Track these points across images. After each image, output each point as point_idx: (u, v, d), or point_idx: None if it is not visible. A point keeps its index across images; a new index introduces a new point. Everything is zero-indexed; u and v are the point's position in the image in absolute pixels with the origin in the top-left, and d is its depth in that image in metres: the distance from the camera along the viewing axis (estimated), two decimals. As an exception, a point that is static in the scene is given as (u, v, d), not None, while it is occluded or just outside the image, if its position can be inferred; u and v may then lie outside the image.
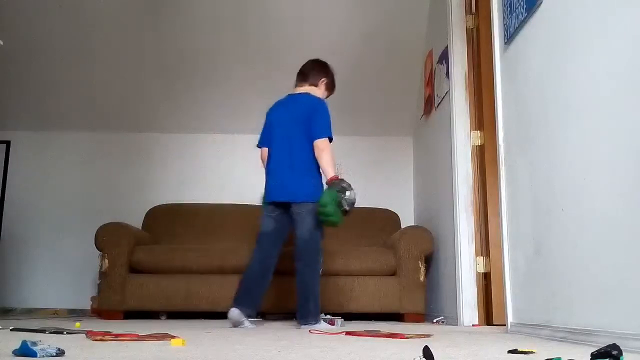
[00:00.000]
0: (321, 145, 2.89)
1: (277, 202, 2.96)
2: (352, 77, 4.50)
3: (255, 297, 2.90)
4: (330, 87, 3.19)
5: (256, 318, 3.80)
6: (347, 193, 2.79)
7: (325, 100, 3.12)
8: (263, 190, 3.08)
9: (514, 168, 2.46)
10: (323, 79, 3.14)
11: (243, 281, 2.92)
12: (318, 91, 3.11)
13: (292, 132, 2.97)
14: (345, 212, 2.81)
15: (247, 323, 2.83)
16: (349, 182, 2.86)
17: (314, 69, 3.15)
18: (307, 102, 3.02)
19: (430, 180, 4.14)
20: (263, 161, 3.13)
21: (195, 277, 3.70)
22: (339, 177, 2.86)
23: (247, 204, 4.47)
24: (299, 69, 3.18)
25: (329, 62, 3.19)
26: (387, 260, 3.76)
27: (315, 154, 2.90)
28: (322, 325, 2.82)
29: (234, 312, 2.82)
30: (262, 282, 2.93)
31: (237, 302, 2.86)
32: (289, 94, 3.14)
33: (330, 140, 2.95)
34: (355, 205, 2.80)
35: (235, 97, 4.71)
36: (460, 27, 3.51)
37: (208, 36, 4.37)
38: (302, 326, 2.78)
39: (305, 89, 3.10)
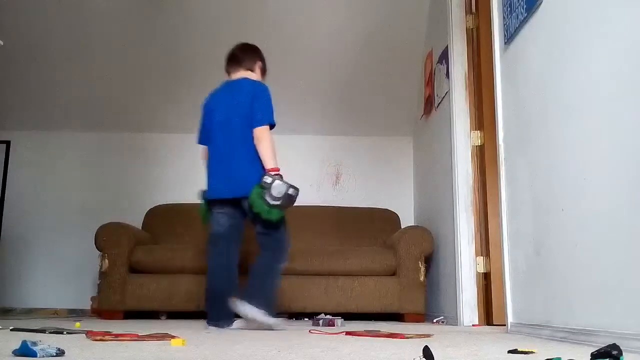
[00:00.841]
0: (259, 133, 2.66)
1: (223, 199, 2.74)
2: (352, 77, 4.50)
3: (228, 307, 2.64)
4: (265, 71, 2.96)
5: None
6: (272, 187, 2.55)
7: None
8: (204, 188, 2.85)
9: (514, 168, 2.46)
10: (258, 62, 2.91)
11: (210, 295, 2.72)
12: (255, 76, 2.88)
13: (233, 121, 2.73)
14: (277, 207, 2.57)
15: (235, 325, 2.66)
16: (281, 174, 2.63)
17: (248, 52, 2.89)
18: (247, 87, 2.77)
19: (430, 180, 4.14)
20: (204, 159, 2.90)
21: (195, 277, 3.70)
22: (276, 169, 2.62)
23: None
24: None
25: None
26: (387, 260, 3.76)
27: (255, 142, 2.68)
28: (271, 320, 2.55)
29: (213, 330, 2.60)
30: (230, 290, 2.68)
31: (212, 319, 2.68)
32: (225, 81, 2.89)
33: (272, 126, 2.72)
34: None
35: (235, 97, 4.70)
36: (460, 27, 3.51)
37: (208, 36, 4.37)
38: (244, 305, 2.54)
39: (242, 74, 2.86)
